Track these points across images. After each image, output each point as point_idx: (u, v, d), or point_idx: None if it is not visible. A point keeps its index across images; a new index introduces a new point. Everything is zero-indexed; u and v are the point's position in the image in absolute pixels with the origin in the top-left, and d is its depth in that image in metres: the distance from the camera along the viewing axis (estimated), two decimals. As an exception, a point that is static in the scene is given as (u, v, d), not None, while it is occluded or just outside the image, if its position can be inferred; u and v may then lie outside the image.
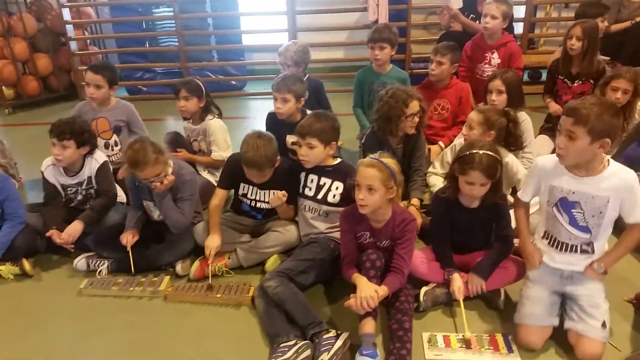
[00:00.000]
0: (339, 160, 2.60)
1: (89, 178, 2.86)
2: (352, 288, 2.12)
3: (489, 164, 2.16)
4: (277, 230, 2.64)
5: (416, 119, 2.92)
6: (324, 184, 2.56)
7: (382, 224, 2.23)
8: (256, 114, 5.23)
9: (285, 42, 3.74)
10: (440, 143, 3.44)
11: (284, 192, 2.54)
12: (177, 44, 5.62)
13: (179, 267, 2.61)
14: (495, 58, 3.75)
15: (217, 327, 2.29)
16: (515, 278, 2.31)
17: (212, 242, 2.56)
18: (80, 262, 2.68)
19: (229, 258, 2.62)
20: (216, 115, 3.36)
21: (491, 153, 2.19)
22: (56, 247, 2.79)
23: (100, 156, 2.90)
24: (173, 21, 5.65)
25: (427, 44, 5.39)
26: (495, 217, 2.34)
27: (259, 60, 6.14)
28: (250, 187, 2.70)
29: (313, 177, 2.59)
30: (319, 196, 2.56)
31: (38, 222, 2.81)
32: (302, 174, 2.62)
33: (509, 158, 2.73)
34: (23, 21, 5.33)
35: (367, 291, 2.02)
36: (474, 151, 2.18)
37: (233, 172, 2.71)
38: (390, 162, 2.15)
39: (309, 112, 3.14)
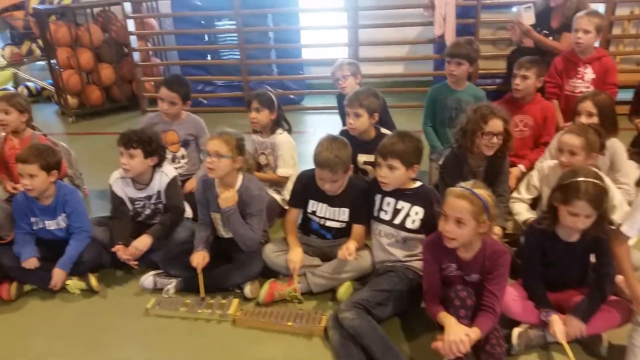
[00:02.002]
0: (419, 183, 2.44)
1: (158, 192, 2.81)
2: (432, 321, 1.96)
3: (595, 193, 1.95)
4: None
5: (495, 140, 2.71)
6: (402, 208, 2.40)
7: (471, 255, 2.05)
8: (315, 128, 5.13)
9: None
10: (521, 166, 3.21)
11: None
12: (238, 57, 5.60)
13: (247, 290, 2.50)
14: (589, 73, 3.49)
15: (287, 357, 2.16)
16: (619, 322, 2.08)
17: (296, 256, 2.46)
18: (147, 280, 2.60)
19: (299, 282, 2.49)
20: (286, 130, 3.26)
21: (598, 182, 1.98)
22: (121, 262, 2.73)
23: (170, 170, 2.84)
24: (234, 34, 5.65)
25: (495, 59, 5.16)
26: (596, 253, 2.12)
27: (317, 74, 6.05)
28: (320, 204, 2.59)
29: (390, 200, 2.43)
30: (396, 221, 2.40)
31: (105, 236, 2.77)
32: (377, 196, 2.47)
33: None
34: (90, 32, 5.43)
35: (458, 334, 1.84)
36: (580, 179, 1.97)
37: (303, 189, 2.61)
38: (483, 193, 1.96)
39: (384, 130, 3.02)
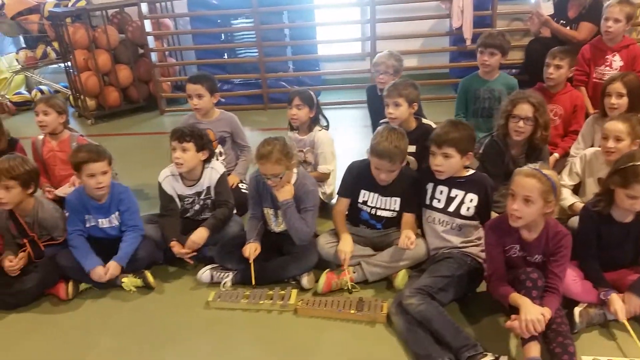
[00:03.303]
0: (471, 170, 2.49)
1: (208, 188, 2.84)
2: (491, 304, 1.99)
3: None
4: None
5: (522, 125, 2.76)
6: (456, 196, 2.44)
7: (534, 236, 2.10)
8: (331, 123, 5.15)
9: (381, 52, 3.63)
10: (555, 154, 3.28)
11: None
12: (254, 54, 5.64)
13: (304, 281, 2.54)
14: (617, 61, 3.56)
15: (355, 344, 2.21)
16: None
17: (346, 246, 2.50)
18: (204, 274, 2.64)
19: (354, 272, 2.54)
20: (324, 127, 3.30)
21: None
22: (174, 259, 2.78)
23: (219, 166, 2.88)
24: (250, 32, 5.68)
25: (511, 50, 5.22)
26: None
27: (333, 69, 6.09)
28: (371, 194, 2.63)
29: (442, 188, 2.47)
30: (450, 209, 2.45)
31: (156, 233, 2.80)
32: (429, 185, 2.52)
33: None
34: (107, 33, 5.43)
35: (534, 313, 1.89)
36: (639, 163, 2.03)
37: (354, 179, 2.65)
38: (552, 174, 2.02)
39: (425, 121, 3.07)
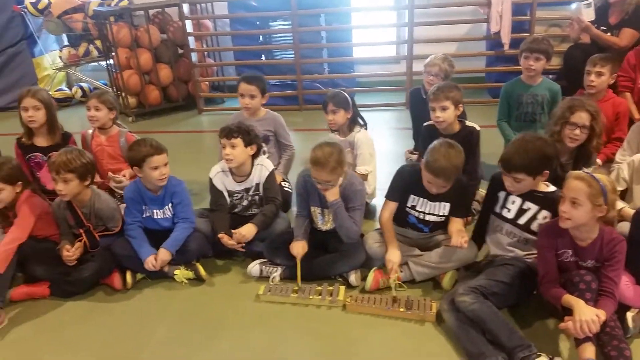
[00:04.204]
0: (553, 188, 2.40)
1: (257, 185, 2.91)
2: (542, 307, 2.09)
3: None
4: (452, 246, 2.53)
5: (578, 132, 2.76)
6: (528, 209, 2.38)
7: (588, 242, 2.11)
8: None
9: (432, 55, 3.67)
10: (598, 160, 3.26)
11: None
12: (291, 56, 5.72)
13: (352, 278, 2.59)
14: (663, 67, 3.55)
15: (404, 341, 2.25)
16: None
17: (394, 257, 2.51)
18: (254, 268, 2.71)
19: (401, 271, 2.57)
20: (362, 127, 3.35)
21: None
22: (223, 252, 2.85)
23: (268, 163, 2.95)
24: (287, 34, 5.77)
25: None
26: None
27: (367, 72, 6.14)
28: (421, 199, 2.64)
29: (515, 198, 2.41)
30: (520, 221, 2.40)
31: (206, 227, 2.87)
32: (501, 193, 2.46)
33: None
34: (149, 33, 5.57)
35: (589, 314, 1.90)
36: None
37: (404, 183, 2.67)
38: (603, 178, 2.04)
39: (469, 123, 3.09)
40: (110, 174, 3.18)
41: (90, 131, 3.41)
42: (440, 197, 2.59)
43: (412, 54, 5.46)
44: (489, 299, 2.19)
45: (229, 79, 6.25)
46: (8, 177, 2.62)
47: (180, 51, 5.98)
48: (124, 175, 3.17)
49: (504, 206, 2.45)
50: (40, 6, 6.07)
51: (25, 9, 6.12)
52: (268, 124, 3.47)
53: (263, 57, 5.92)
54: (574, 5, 5.12)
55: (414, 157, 4.13)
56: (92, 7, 5.87)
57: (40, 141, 3.25)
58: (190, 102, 6.04)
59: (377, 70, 6.08)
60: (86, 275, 2.64)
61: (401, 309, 2.36)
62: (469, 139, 3.01)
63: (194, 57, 5.81)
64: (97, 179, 3.26)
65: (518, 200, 2.40)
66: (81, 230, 2.74)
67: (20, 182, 2.69)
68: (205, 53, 6.20)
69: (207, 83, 6.15)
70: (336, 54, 5.90)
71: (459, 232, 2.47)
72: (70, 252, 2.64)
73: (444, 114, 2.97)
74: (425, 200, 2.63)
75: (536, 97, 3.49)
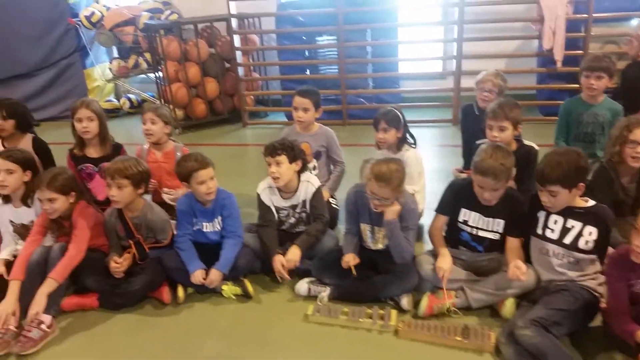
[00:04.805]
0: (592, 202, 2.32)
1: (303, 202, 2.87)
2: (606, 339, 2.01)
3: None
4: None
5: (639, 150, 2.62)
6: (572, 227, 2.29)
7: (664, 274, 1.98)
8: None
9: (482, 71, 3.58)
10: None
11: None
12: (335, 71, 5.71)
13: (404, 302, 2.50)
14: None
15: (461, 372, 2.14)
16: None
17: (445, 264, 2.44)
18: (302, 286, 2.66)
19: (457, 297, 2.47)
20: (412, 146, 3.26)
21: None
22: (270, 268, 2.80)
23: (314, 180, 2.90)
24: (332, 49, 5.76)
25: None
26: None
27: (412, 87, 6.07)
28: (473, 213, 2.55)
29: (557, 217, 2.33)
30: (566, 240, 2.30)
31: (254, 243, 2.85)
32: (541, 213, 2.39)
33: None
34: (198, 47, 5.66)
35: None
36: None
37: (455, 197, 2.59)
38: None
39: (527, 142, 2.98)
40: (164, 188, 3.18)
41: (146, 147, 3.37)
42: (494, 212, 2.50)
43: (460, 69, 5.36)
44: (550, 331, 2.07)
45: (274, 93, 6.28)
46: (62, 188, 2.65)
47: (227, 65, 6.05)
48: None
49: (545, 226, 2.36)
50: (93, 19, 6.27)
51: (80, 22, 6.33)
52: (321, 139, 3.43)
53: (308, 72, 5.92)
54: (634, 22, 4.93)
55: (463, 176, 4.01)
56: (143, 21, 6.01)
57: (92, 152, 3.29)
58: (234, 116, 6.09)
59: (422, 86, 6.00)
60: (136, 288, 2.64)
61: (458, 338, 2.25)
62: (526, 158, 2.89)
63: (241, 71, 5.85)
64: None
65: (560, 219, 2.32)
66: (131, 242, 2.75)
67: (74, 193, 2.71)
68: (251, 67, 6.26)
69: (252, 97, 6.19)
70: (381, 69, 5.85)
71: (516, 263, 2.34)
72: (118, 264, 2.65)
73: (502, 135, 2.87)
74: (479, 214, 2.54)
75: (597, 116, 3.34)
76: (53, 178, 2.61)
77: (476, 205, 2.54)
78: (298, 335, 2.41)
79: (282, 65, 5.98)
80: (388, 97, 5.90)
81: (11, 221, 2.87)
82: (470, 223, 2.57)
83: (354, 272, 2.54)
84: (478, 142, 3.14)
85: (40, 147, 3.41)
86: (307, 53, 5.87)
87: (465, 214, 2.58)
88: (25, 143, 3.39)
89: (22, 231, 2.86)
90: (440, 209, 2.66)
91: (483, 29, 5.54)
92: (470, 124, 3.59)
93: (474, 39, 5.42)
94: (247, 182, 3.13)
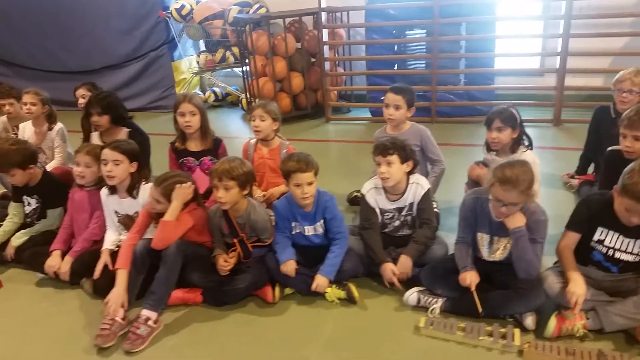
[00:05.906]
0: None
1: (410, 204, 2.72)
2: None
3: None
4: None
5: None
6: None
7: None
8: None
9: (623, 70, 3.28)
10: None
11: None
12: (423, 66, 5.48)
13: (529, 320, 2.29)
14: None
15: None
16: None
17: (578, 288, 2.19)
18: (411, 296, 2.50)
19: (588, 318, 2.23)
20: (528, 147, 3.01)
21: None
22: (375, 273, 2.67)
23: (424, 182, 2.74)
24: (420, 44, 5.54)
25: None
26: None
27: (506, 84, 5.72)
28: (611, 233, 2.28)
29: None
30: None
31: (358, 246, 2.73)
32: None
33: None
34: (286, 41, 5.61)
35: None
36: None
37: (591, 214, 2.32)
38: None
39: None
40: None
41: (253, 141, 3.36)
42: (637, 233, 2.22)
43: (564, 66, 4.99)
44: None
45: (360, 88, 6.14)
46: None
47: (313, 60, 5.96)
48: (264, 195, 3.15)
49: None
50: (183, 12, 6.37)
51: (170, 15, 6.45)
52: (414, 138, 3.25)
53: (396, 67, 5.72)
54: None
55: (575, 182, 3.71)
56: (232, 14, 6.03)
57: (193, 146, 3.30)
58: (317, 111, 6.01)
59: (517, 82, 5.66)
60: (241, 287, 2.59)
61: (592, 364, 2.03)
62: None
63: (327, 65, 5.75)
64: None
65: None
66: (235, 240, 2.70)
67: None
68: (336, 62, 6.14)
69: (335, 92, 6.08)
70: (474, 65, 5.56)
71: None
72: (227, 262, 2.61)
73: (637, 145, 2.57)
74: (619, 234, 2.27)
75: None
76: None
77: (616, 225, 2.25)
78: (411, 350, 2.26)
79: (371, 59, 5.81)
80: (481, 94, 5.61)
81: (116, 212, 2.90)
82: (606, 243, 2.30)
83: (476, 299, 2.34)
84: (610, 148, 2.86)
85: (135, 140, 3.45)
86: (396, 47, 5.66)
87: (601, 233, 2.31)
88: (121, 137, 3.44)
89: (126, 222, 2.89)
90: (573, 226, 2.38)
91: (586, 24, 5.13)
92: (603, 127, 3.31)
93: (582, 35, 5.01)
94: (329, 179, 2.98)
